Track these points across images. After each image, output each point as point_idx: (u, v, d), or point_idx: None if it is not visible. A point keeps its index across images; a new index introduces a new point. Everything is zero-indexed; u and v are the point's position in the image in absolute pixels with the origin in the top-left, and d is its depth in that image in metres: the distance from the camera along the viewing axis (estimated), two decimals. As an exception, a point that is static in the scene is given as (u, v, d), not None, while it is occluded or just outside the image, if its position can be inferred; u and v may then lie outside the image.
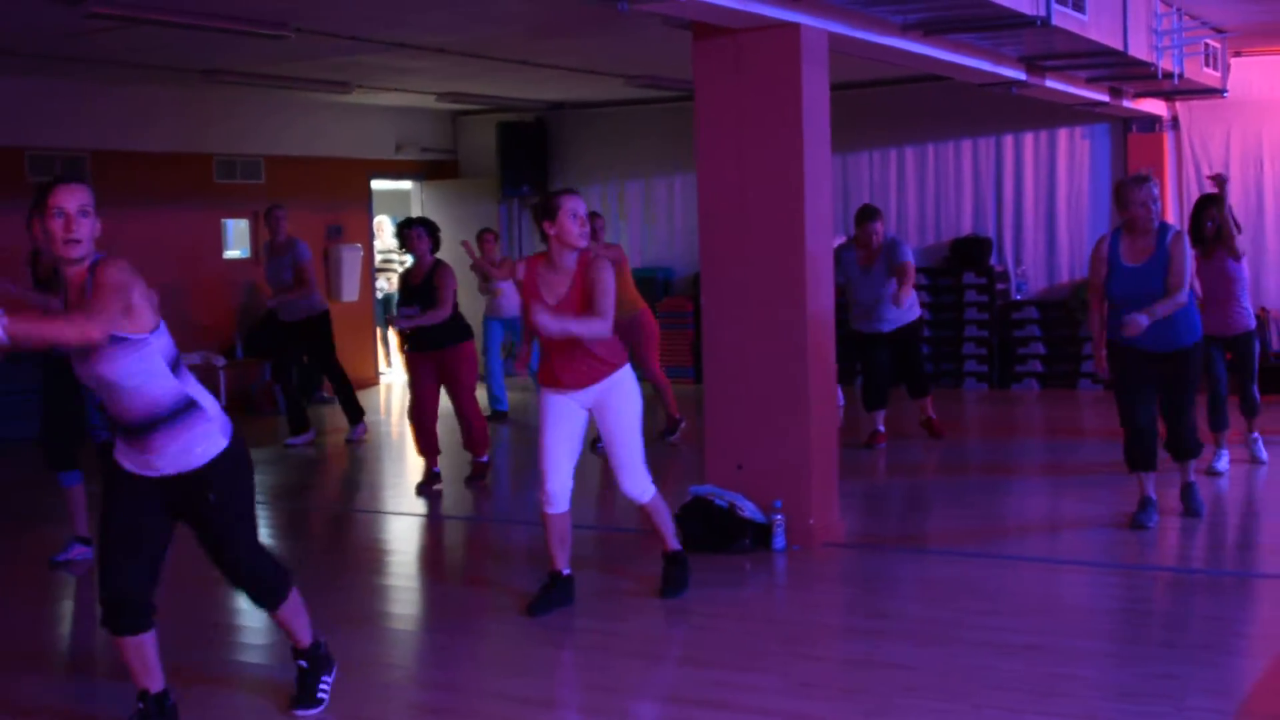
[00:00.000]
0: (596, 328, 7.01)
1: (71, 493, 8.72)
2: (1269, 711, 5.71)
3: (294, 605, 5.82)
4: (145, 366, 5.16)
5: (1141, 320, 8.31)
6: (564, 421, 7.26)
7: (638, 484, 7.40)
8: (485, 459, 11.21)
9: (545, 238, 7.19)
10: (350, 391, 13.62)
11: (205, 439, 5.36)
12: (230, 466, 5.47)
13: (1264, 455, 10.90)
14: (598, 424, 7.36)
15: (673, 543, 7.65)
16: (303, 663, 5.91)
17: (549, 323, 6.87)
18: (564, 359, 7.19)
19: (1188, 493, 9.14)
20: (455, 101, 17.02)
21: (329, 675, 5.96)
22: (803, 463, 8.52)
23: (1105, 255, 8.67)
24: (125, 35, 10.94)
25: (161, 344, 5.21)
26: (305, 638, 5.89)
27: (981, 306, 16.16)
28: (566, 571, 7.40)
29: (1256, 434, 10.89)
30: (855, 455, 11.61)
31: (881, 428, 12.29)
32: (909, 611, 7.38)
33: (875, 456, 11.90)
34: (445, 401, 11.04)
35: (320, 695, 5.92)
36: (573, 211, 7.11)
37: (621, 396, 7.27)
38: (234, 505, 5.54)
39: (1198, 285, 9.04)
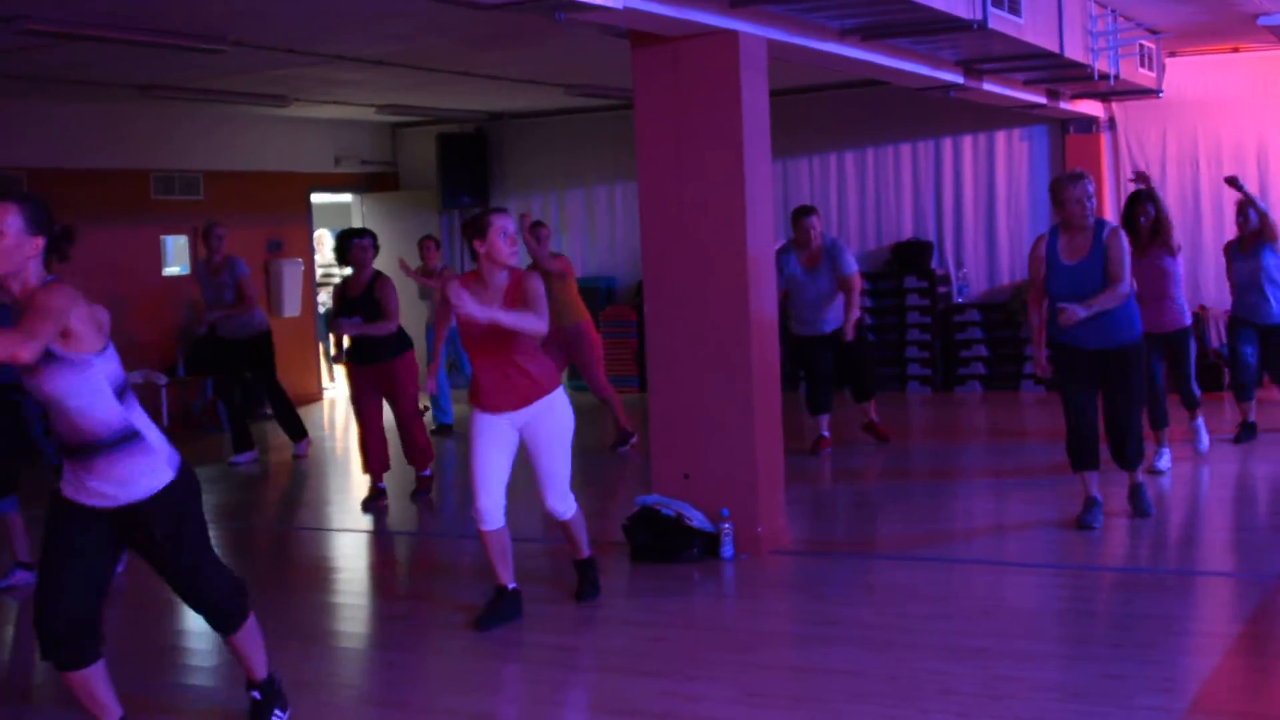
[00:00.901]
0: (529, 322, 6.98)
1: (8, 519, 8.61)
2: (1216, 709, 5.73)
3: (251, 633, 5.71)
4: (89, 388, 5.09)
5: (1078, 311, 8.34)
6: (495, 439, 7.21)
7: (563, 500, 7.43)
8: (428, 473, 11.14)
9: (475, 255, 7.15)
10: (290, 409, 13.52)
11: (149, 472, 5.26)
12: (175, 501, 5.37)
13: (1205, 444, 10.97)
14: (527, 443, 7.30)
15: (586, 550, 7.72)
16: (256, 694, 5.81)
17: (475, 310, 6.77)
18: (495, 381, 7.16)
19: (1136, 494, 9.13)
20: (394, 113, 16.95)
21: (283, 711, 5.87)
22: (749, 470, 8.52)
23: (1043, 254, 8.72)
24: (61, 52, 10.83)
25: (108, 368, 5.14)
26: (260, 671, 5.79)
27: (923, 310, 16.22)
28: (512, 585, 7.37)
29: (1199, 421, 10.96)
30: (801, 461, 11.61)
31: (826, 433, 12.30)
32: (857, 617, 7.37)
33: (821, 462, 11.91)
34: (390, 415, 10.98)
35: None
36: (503, 230, 7.09)
37: (553, 418, 7.25)
38: (183, 536, 5.44)
39: (1133, 282, 9.07)
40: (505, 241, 7.09)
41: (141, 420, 5.29)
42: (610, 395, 12.57)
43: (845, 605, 7.72)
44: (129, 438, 5.21)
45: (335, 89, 14.39)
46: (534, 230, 12.26)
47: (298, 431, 13.54)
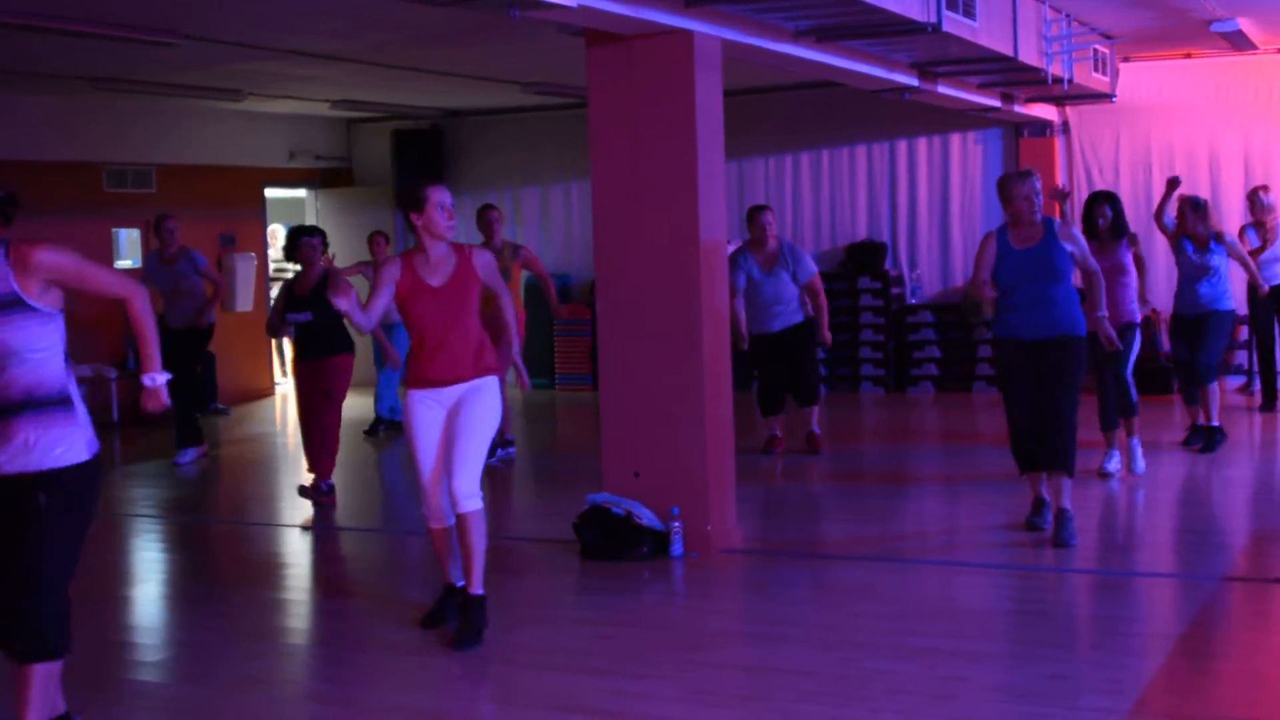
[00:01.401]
0: (510, 317, 7.39)
1: None
2: (1161, 710, 5.76)
3: (51, 677, 5.17)
4: (50, 341, 5.10)
5: (1108, 330, 8.78)
6: (432, 433, 7.09)
7: (474, 485, 6.99)
8: (328, 485, 10.83)
9: (412, 228, 7.09)
10: (198, 410, 13.31)
11: (68, 442, 5.12)
12: (82, 482, 5.16)
13: (1140, 468, 10.74)
14: (451, 423, 7.05)
15: (479, 584, 7.05)
16: None
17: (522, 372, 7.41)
18: (442, 351, 7.04)
19: (1059, 520, 8.63)
20: (349, 109, 16.89)
21: None
22: (700, 469, 8.52)
23: (995, 246, 8.66)
24: (12, 44, 10.77)
25: (62, 329, 5.19)
26: (51, 712, 5.30)
27: (877, 311, 16.27)
28: (461, 583, 7.32)
29: (1136, 440, 10.75)
30: (753, 461, 11.63)
31: (778, 433, 12.30)
32: (807, 617, 7.39)
33: (773, 462, 11.92)
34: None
35: None
36: (440, 203, 7.00)
37: (482, 399, 7.07)
38: (67, 524, 5.11)
39: (1079, 279, 9.09)
40: (442, 215, 7.01)
41: (76, 392, 5.25)
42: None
43: (795, 604, 7.73)
44: (64, 402, 5.14)
45: (290, 84, 14.34)
46: (485, 213, 12.15)
47: (190, 437, 13.09)
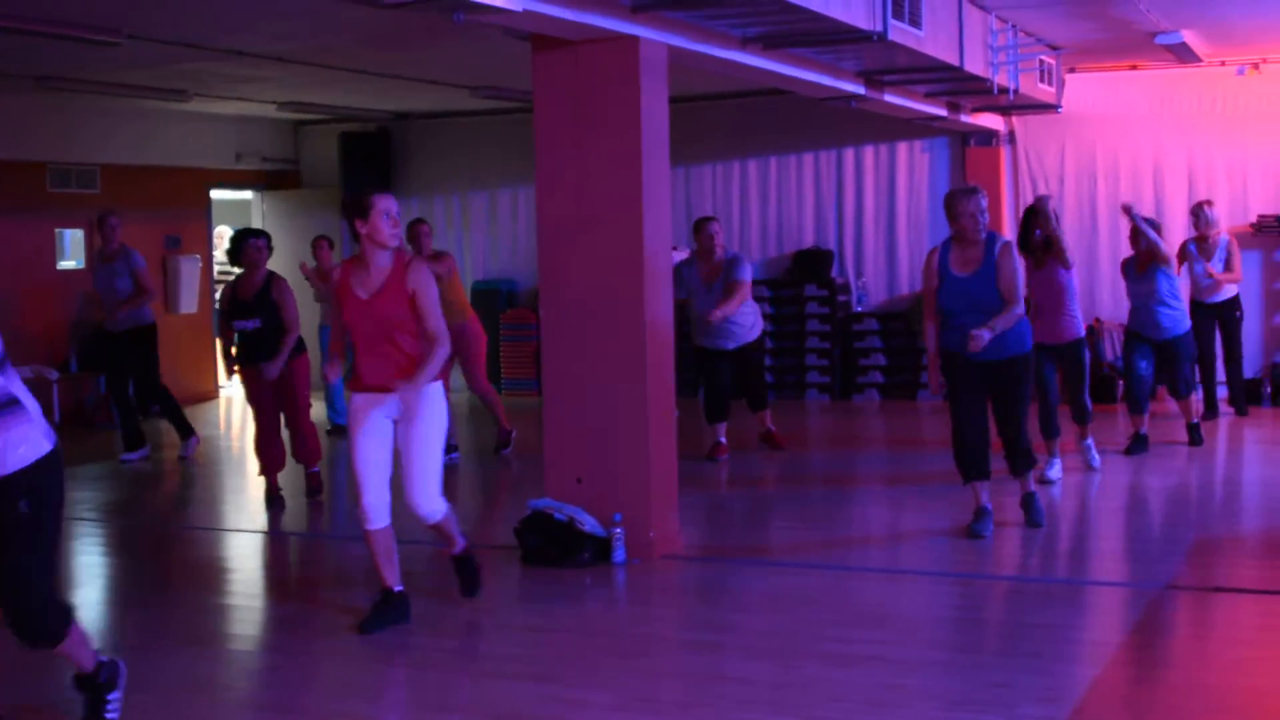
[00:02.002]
0: (438, 351, 7.05)
1: None
2: (1099, 718, 5.78)
3: (77, 636, 5.54)
4: None
5: (984, 335, 8.43)
6: (373, 435, 7.12)
7: (430, 500, 7.19)
8: (316, 469, 11.05)
9: (356, 236, 7.08)
10: (175, 407, 13.26)
11: (27, 441, 5.19)
12: (50, 474, 5.28)
13: (1096, 462, 11.09)
14: (399, 436, 7.16)
15: (460, 540, 7.60)
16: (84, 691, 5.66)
17: (412, 387, 6.97)
18: (373, 359, 7.08)
19: (1028, 503, 9.21)
20: (297, 111, 16.80)
21: (116, 693, 5.72)
22: (642, 475, 8.51)
23: (936, 267, 8.80)
24: (-50, 41, 10.68)
25: None
26: (88, 663, 5.63)
27: (823, 318, 16.30)
28: (398, 588, 7.27)
29: (1089, 441, 11.09)
30: (697, 467, 11.62)
31: (723, 440, 12.31)
32: (748, 624, 7.38)
33: (717, 469, 11.93)
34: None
35: (109, 715, 5.70)
36: (385, 211, 7.01)
37: (427, 407, 7.10)
38: (45, 519, 5.30)
39: (1028, 293, 9.22)
40: (387, 223, 7.01)
41: (20, 389, 5.23)
42: (490, 395, 12.52)
43: (736, 611, 7.72)
44: (9, 404, 5.15)
45: (236, 85, 14.26)
46: (414, 227, 12.16)
47: (185, 430, 13.31)
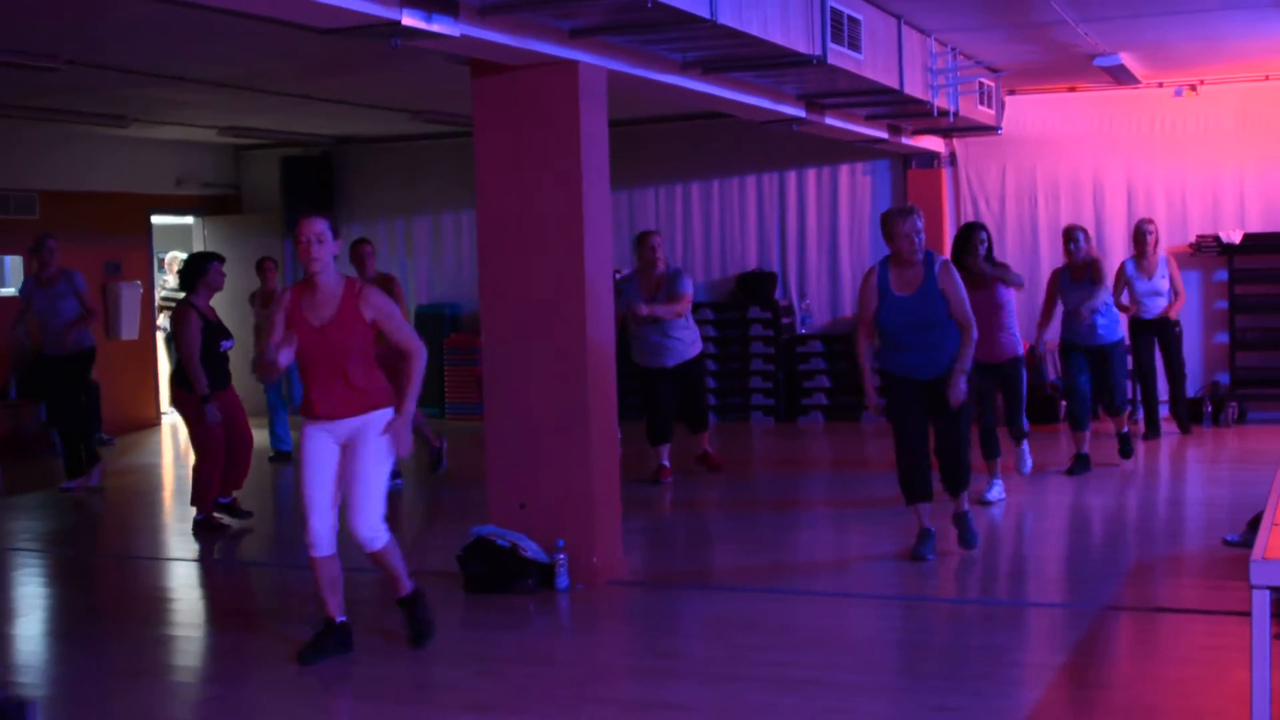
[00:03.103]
0: (416, 365, 7.08)
1: None
2: (1040, 741, 5.80)
3: None
4: None
5: (961, 387, 8.58)
6: (322, 461, 7.06)
7: (373, 528, 7.08)
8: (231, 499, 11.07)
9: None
10: (84, 439, 13.11)
11: None
12: None
13: (1027, 468, 11.21)
14: (345, 461, 7.07)
15: (408, 584, 7.35)
16: None
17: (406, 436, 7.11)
18: (322, 388, 7.04)
19: (961, 521, 9.15)
20: (237, 136, 16.73)
21: None
22: (585, 500, 8.49)
23: (876, 285, 8.79)
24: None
25: None
26: None
27: (767, 340, 16.32)
28: (340, 619, 7.20)
29: (1024, 445, 11.37)
30: (642, 491, 11.60)
31: (666, 463, 12.29)
32: (691, 650, 7.38)
33: (661, 491, 11.91)
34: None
35: None
36: (305, 237, 6.94)
37: (373, 437, 7.05)
38: None
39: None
40: (308, 247, 6.94)
41: None
42: (416, 416, 12.41)
43: (679, 637, 7.72)
44: None
45: (176, 110, 14.18)
46: (357, 247, 12.13)
47: (76, 466, 12.91)
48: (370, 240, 12.65)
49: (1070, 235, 11.77)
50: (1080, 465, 11.80)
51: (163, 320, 18.52)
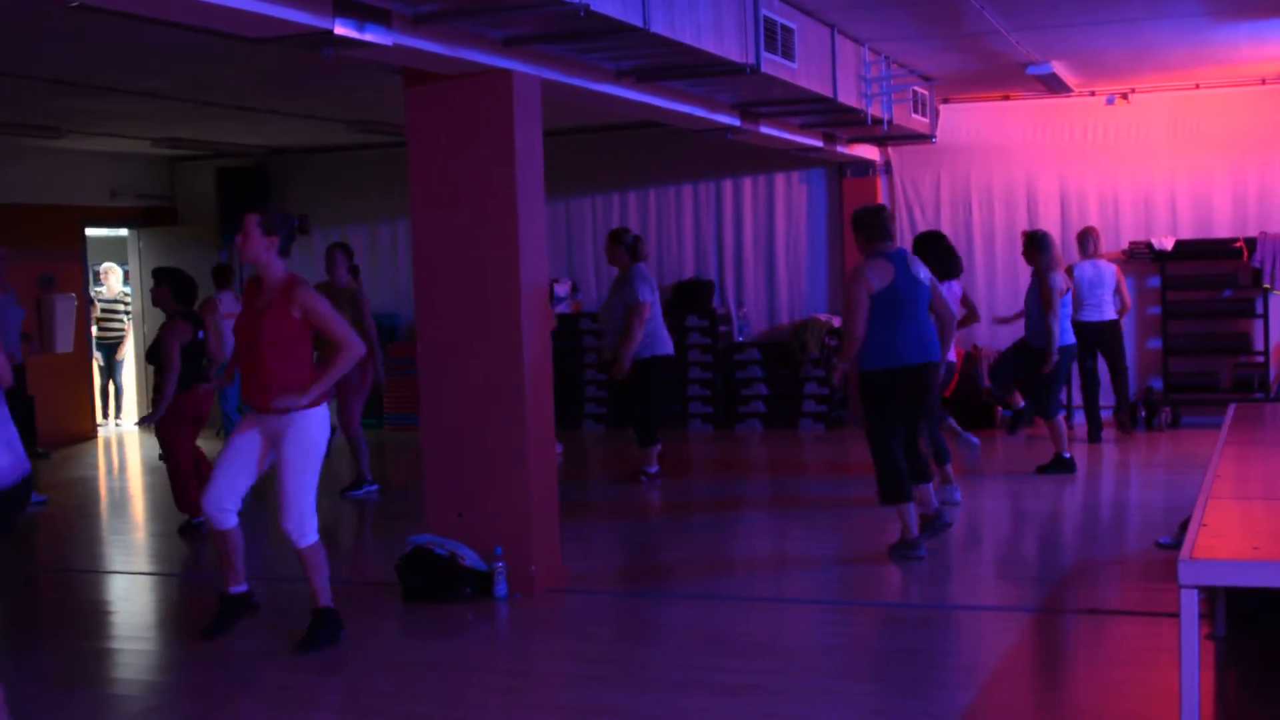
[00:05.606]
0: (343, 355, 7.22)
1: None
2: (974, 743, 5.84)
3: None
4: None
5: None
6: (240, 447, 7.36)
7: (301, 524, 7.29)
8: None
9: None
10: None
11: None
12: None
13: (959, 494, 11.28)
14: (276, 457, 7.31)
15: (326, 596, 7.48)
16: None
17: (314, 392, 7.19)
18: (245, 375, 7.35)
19: (937, 515, 9.46)
20: (172, 147, 16.64)
21: None
22: (523, 509, 8.49)
23: (894, 280, 8.97)
24: None
25: None
26: None
27: (705, 348, 16.36)
28: (236, 589, 7.56)
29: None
30: (582, 497, 11.61)
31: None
32: (628, 656, 7.38)
33: (602, 498, 11.93)
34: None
35: None
36: (244, 229, 7.28)
37: (301, 431, 7.23)
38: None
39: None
40: (244, 238, 7.27)
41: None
42: (361, 440, 12.35)
43: (616, 644, 7.72)
44: None
45: (109, 121, 14.09)
46: (329, 251, 12.17)
47: None
48: (344, 244, 12.57)
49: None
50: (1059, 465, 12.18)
51: (98, 331, 18.43)
